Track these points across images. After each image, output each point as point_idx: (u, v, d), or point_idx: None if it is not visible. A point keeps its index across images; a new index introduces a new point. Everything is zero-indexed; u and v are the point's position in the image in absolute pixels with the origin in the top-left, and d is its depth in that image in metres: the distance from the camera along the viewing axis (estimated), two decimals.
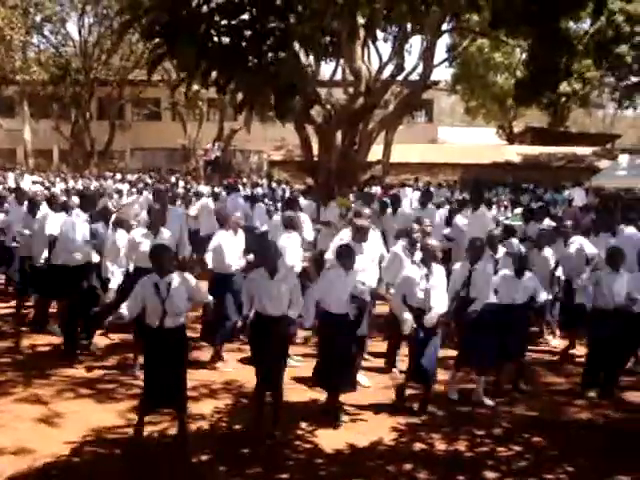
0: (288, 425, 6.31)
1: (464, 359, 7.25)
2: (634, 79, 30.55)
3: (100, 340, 8.86)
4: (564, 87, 27.51)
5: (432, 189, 26.19)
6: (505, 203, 20.48)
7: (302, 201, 12.71)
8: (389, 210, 11.35)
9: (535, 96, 25.58)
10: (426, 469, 5.57)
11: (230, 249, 8.08)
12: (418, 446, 6.07)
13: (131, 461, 5.64)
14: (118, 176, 29.85)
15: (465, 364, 7.30)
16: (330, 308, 6.52)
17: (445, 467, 5.65)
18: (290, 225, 8.59)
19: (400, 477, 5.47)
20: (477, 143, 40.86)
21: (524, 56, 27.95)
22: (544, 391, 7.66)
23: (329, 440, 6.08)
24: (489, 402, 7.12)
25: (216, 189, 22.83)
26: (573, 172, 30.32)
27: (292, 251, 8.25)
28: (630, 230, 9.66)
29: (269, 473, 5.45)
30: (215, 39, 4.48)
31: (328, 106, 16.26)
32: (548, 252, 9.10)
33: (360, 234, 7.46)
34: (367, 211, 8.59)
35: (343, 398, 6.83)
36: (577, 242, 9.21)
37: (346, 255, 6.58)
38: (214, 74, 4.64)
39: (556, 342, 9.44)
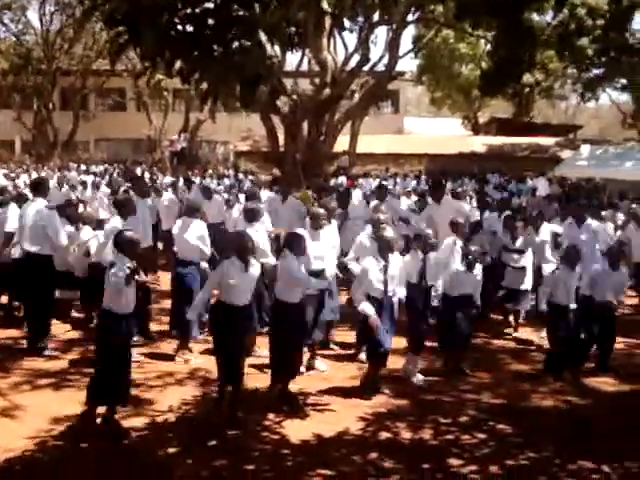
0: (255, 415, 6.31)
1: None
2: (595, 71, 31.02)
3: (61, 332, 8.75)
4: (527, 78, 27.80)
5: (398, 180, 26.35)
6: (470, 193, 20.65)
7: (268, 193, 12.63)
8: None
9: (499, 87, 25.84)
10: (391, 458, 5.61)
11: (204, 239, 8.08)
12: (384, 435, 6.12)
13: (97, 454, 5.57)
14: (82, 167, 29.43)
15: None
16: (282, 296, 6.56)
17: (410, 455, 5.69)
18: (252, 218, 8.50)
19: (366, 466, 5.50)
20: (443, 134, 41.12)
21: (489, 47, 28.15)
22: (510, 379, 7.75)
23: (296, 430, 6.09)
24: (420, 378, 7.39)
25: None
26: (537, 162, 30.75)
27: (261, 244, 8.15)
28: (594, 223, 9.83)
29: (236, 464, 5.44)
30: (179, 27, 4.43)
31: (294, 96, 16.23)
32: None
33: (316, 221, 7.58)
34: (333, 204, 8.60)
35: (311, 388, 6.87)
36: (546, 230, 9.41)
37: (294, 242, 6.64)
38: (178, 63, 4.58)
39: (518, 333, 9.56)
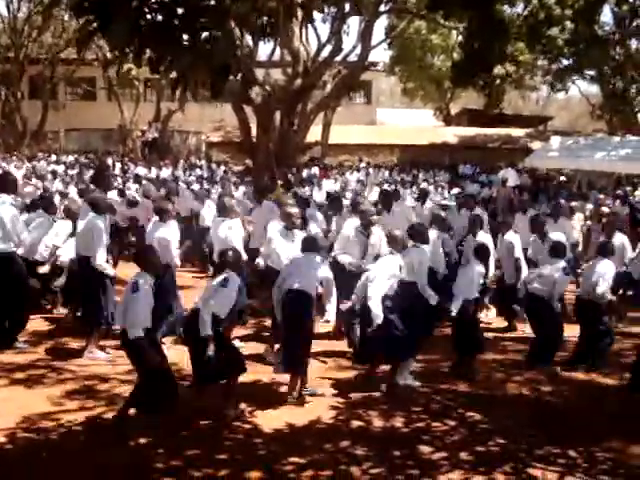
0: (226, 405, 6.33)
1: None
2: (565, 62, 31.36)
3: (31, 325, 8.67)
4: (499, 70, 28.00)
5: (371, 170, 26.44)
6: (442, 184, 20.83)
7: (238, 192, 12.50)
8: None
9: (471, 78, 26.00)
10: (363, 446, 5.66)
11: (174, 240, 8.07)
12: (356, 423, 6.17)
13: (66, 447, 5.55)
14: (53, 157, 29.06)
15: None
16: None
17: (381, 443, 5.75)
18: (227, 212, 8.46)
19: (337, 454, 5.55)
20: (415, 125, 41.28)
21: (460, 38, 28.31)
22: (482, 368, 7.83)
23: (268, 420, 6.12)
24: (416, 383, 7.22)
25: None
26: (508, 153, 31.03)
27: (236, 243, 8.13)
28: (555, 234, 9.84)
29: (209, 454, 5.46)
30: (148, 16, 4.39)
31: (267, 87, 16.20)
32: (510, 237, 9.32)
33: (289, 221, 7.69)
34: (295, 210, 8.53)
35: (280, 378, 6.90)
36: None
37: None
38: (148, 52, 4.55)
39: (492, 314, 9.72)
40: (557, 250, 7.99)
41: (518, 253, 9.16)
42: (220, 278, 6.24)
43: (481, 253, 7.72)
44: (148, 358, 5.71)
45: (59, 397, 6.51)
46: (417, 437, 5.90)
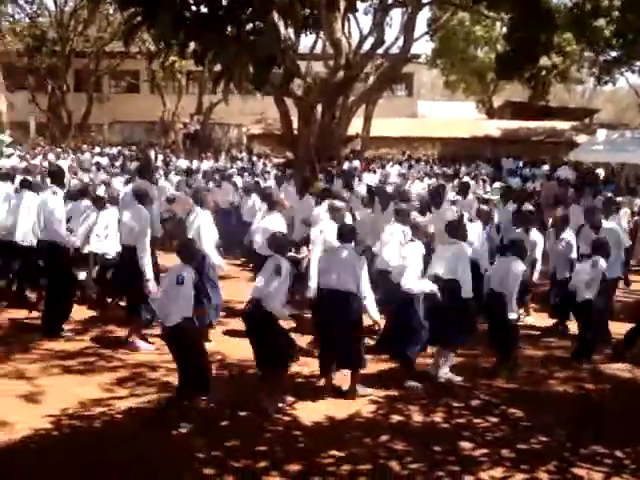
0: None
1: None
2: (612, 54, 30.66)
3: (80, 314, 8.82)
4: (544, 61, 27.53)
5: (413, 163, 26.24)
6: (484, 177, 20.58)
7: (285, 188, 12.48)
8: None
9: (516, 70, 25.60)
10: (403, 440, 5.63)
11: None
12: (395, 418, 6.14)
13: (110, 434, 5.64)
14: (97, 149, 29.52)
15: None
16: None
17: (421, 438, 5.71)
18: (273, 204, 8.45)
19: (377, 448, 5.52)
20: (457, 117, 40.86)
21: (505, 30, 27.88)
22: (524, 364, 7.72)
23: (308, 413, 6.13)
24: (458, 378, 7.12)
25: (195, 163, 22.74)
26: (552, 147, 30.51)
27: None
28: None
29: (248, 446, 5.48)
30: (193, 8, 4.40)
31: (308, 79, 16.19)
32: (535, 235, 9.11)
33: (336, 214, 7.63)
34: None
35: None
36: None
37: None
38: (192, 45, 4.57)
39: (530, 319, 9.53)
40: (600, 247, 7.82)
41: (575, 254, 8.86)
42: (272, 265, 6.20)
43: (517, 248, 7.51)
44: (190, 346, 5.76)
45: (109, 384, 6.62)
46: (458, 433, 5.84)
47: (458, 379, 7.06)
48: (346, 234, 6.70)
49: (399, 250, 7.41)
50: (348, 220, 8.08)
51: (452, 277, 6.94)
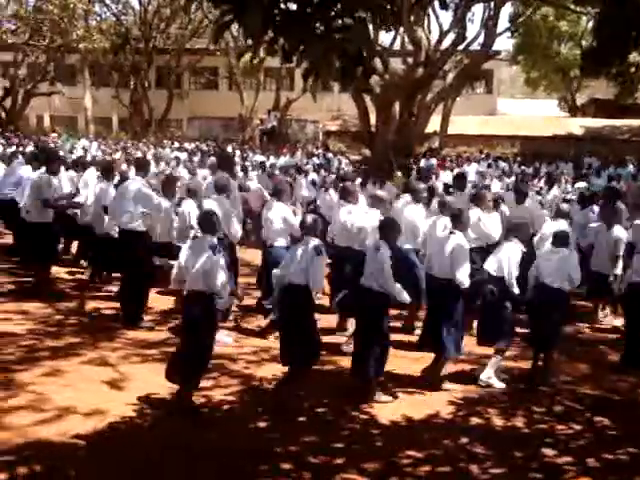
0: (344, 396, 6.35)
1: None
2: None
3: (159, 303, 9.03)
4: (634, 57, 26.42)
5: (490, 161, 25.73)
6: (566, 177, 19.99)
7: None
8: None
9: (603, 66, 24.67)
10: (483, 444, 5.53)
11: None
12: (475, 421, 6.04)
13: (190, 423, 5.74)
14: (176, 144, 30.19)
15: None
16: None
17: (502, 443, 5.59)
18: (349, 196, 8.42)
19: (456, 451, 5.44)
20: (538, 115, 39.85)
21: (590, 25, 26.98)
22: (609, 370, 7.48)
23: (386, 411, 6.09)
24: (502, 385, 6.88)
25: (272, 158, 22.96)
26: (638, 146, 29.36)
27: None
28: None
29: (325, 442, 5.48)
30: (282, 6, 4.42)
31: (386, 76, 16.08)
32: (619, 231, 8.87)
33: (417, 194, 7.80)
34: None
35: (400, 370, 6.84)
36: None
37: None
38: (280, 42, 4.59)
39: (618, 322, 9.20)
40: None
41: None
42: (312, 246, 6.10)
43: (560, 240, 7.22)
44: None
45: None
46: (540, 439, 5.69)
47: (502, 386, 6.84)
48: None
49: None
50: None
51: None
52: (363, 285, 6.39)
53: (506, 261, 6.82)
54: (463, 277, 6.54)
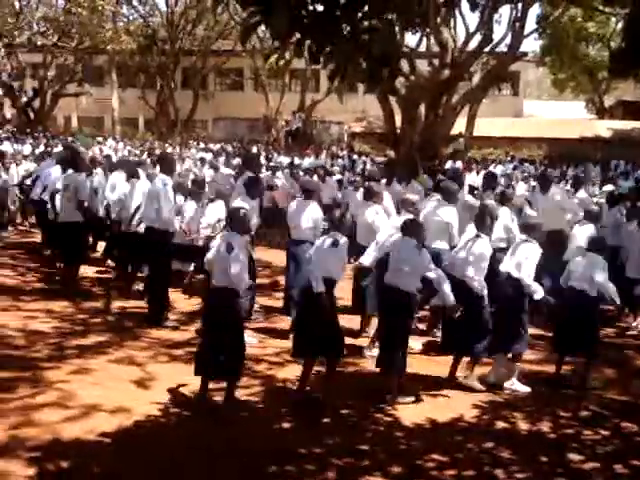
0: (367, 398, 6.34)
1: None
2: None
3: (184, 304, 9.08)
4: None
5: (515, 163, 25.54)
6: (594, 180, 19.77)
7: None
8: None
9: (631, 68, 24.34)
10: (508, 448, 5.49)
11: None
12: (500, 424, 5.99)
13: (215, 423, 5.76)
14: (201, 145, 30.38)
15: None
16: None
17: (527, 447, 5.55)
18: (373, 197, 8.41)
19: (481, 455, 5.40)
20: (565, 117, 39.45)
21: (619, 26, 26.66)
22: (637, 376, 7.38)
23: (409, 414, 6.07)
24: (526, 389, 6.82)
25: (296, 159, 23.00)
26: None
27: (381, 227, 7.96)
28: None
29: (349, 444, 5.47)
30: (309, 7, 4.43)
31: (412, 77, 16.00)
32: None
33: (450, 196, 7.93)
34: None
35: (425, 372, 6.82)
36: None
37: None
38: (307, 43, 4.60)
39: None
40: None
41: None
42: (329, 240, 6.20)
43: (595, 245, 7.16)
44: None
45: None
46: (566, 444, 5.64)
47: (526, 390, 6.76)
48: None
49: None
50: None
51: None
52: (387, 283, 6.39)
53: (524, 262, 6.73)
54: (478, 281, 6.60)
